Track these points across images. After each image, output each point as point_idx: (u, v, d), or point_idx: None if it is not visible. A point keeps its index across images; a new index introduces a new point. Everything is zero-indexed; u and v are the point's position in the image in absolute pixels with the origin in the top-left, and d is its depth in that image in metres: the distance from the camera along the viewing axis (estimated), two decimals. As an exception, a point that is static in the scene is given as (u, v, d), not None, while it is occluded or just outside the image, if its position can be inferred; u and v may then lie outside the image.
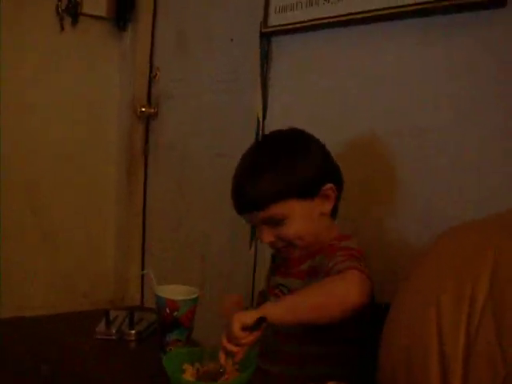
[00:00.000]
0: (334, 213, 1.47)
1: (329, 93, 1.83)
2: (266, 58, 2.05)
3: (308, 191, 1.40)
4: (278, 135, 1.51)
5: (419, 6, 1.55)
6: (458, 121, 1.50)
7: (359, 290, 1.22)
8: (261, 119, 2.05)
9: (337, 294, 1.24)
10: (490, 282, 0.95)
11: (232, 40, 2.30)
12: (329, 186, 1.41)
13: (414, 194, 1.59)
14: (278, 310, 1.22)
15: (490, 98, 1.43)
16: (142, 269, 2.88)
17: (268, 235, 1.41)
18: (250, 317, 1.18)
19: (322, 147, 1.47)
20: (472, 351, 0.93)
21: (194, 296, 1.42)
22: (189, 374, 1.24)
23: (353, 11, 1.72)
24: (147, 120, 2.89)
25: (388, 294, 1.23)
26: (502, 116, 1.40)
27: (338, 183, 1.45)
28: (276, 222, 1.39)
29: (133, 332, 1.58)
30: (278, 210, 1.37)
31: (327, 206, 1.43)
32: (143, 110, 2.83)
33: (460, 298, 0.98)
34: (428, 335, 1.00)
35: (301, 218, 1.39)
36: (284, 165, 1.40)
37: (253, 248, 2.05)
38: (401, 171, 1.63)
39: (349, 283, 1.23)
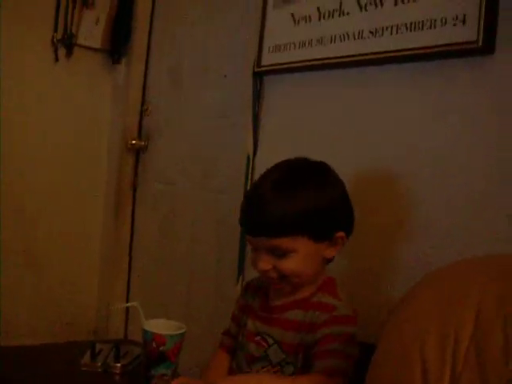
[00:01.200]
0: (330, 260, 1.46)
1: (319, 133, 1.86)
2: (257, 96, 2.08)
3: (322, 235, 1.37)
4: (307, 164, 1.44)
5: (410, 52, 1.58)
6: (445, 163, 1.53)
7: None
8: (251, 156, 2.07)
9: None
10: (474, 324, 0.96)
11: (225, 76, 2.33)
12: (341, 234, 1.39)
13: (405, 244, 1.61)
14: None
15: (479, 142, 1.46)
16: (127, 302, 2.87)
17: (266, 263, 1.35)
18: None
19: (345, 191, 1.44)
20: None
21: (181, 331, 1.43)
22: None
23: (344, 54, 1.75)
24: (137, 153, 2.90)
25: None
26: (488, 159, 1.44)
27: (348, 233, 1.43)
28: (279, 253, 1.34)
29: (118, 365, 1.58)
30: (287, 243, 1.33)
31: (332, 253, 1.41)
32: (133, 142, 2.83)
33: (444, 340, 0.97)
34: (413, 379, 1.00)
35: (305, 256, 1.35)
36: (308, 201, 1.35)
37: (239, 284, 2.04)
38: (385, 215, 1.66)
39: None
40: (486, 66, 1.45)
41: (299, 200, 1.34)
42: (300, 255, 1.35)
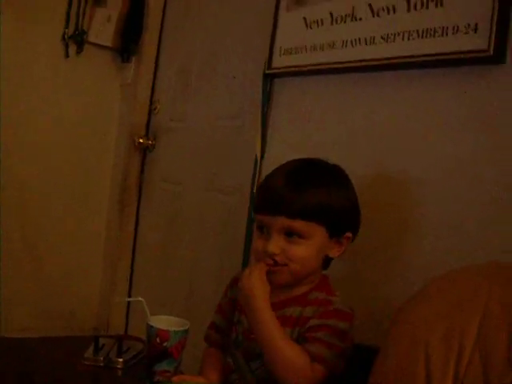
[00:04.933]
0: (328, 263, 1.47)
1: (328, 136, 1.86)
2: (267, 98, 2.08)
3: (337, 229, 1.39)
4: (328, 164, 1.46)
5: (421, 59, 1.59)
6: (448, 171, 1.53)
7: None
8: (259, 158, 2.07)
9: (290, 365, 1.30)
10: (479, 327, 0.96)
11: (234, 77, 2.33)
12: (349, 234, 1.42)
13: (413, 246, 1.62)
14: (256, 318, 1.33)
15: (488, 150, 1.46)
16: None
17: (277, 246, 1.35)
18: None
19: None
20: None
21: (184, 327, 1.43)
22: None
23: (356, 59, 1.76)
24: (144, 152, 2.91)
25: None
26: (497, 169, 1.44)
27: (354, 235, 1.44)
28: (293, 236, 1.35)
29: (120, 360, 1.58)
30: (306, 227, 1.34)
31: (336, 253, 1.42)
32: (141, 141, 2.85)
33: (449, 341, 0.98)
34: (416, 380, 1.00)
35: (315, 247, 1.36)
36: (336, 191, 1.38)
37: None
38: (389, 217, 1.67)
39: (303, 376, 1.29)
40: (497, 74, 1.45)
41: (332, 192, 1.37)
42: (312, 244, 1.36)
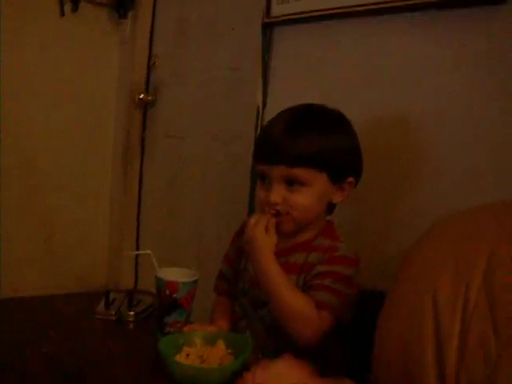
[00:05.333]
0: (332, 209, 1.48)
1: (329, 83, 1.85)
2: (267, 47, 2.06)
3: (339, 176, 1.39)
4: (329, 109, 1.45)
5: (423, 0, 1.57)
6: (456, 113, 1.52)
7: (310, 336, 1.31)
8: (261, 108, 2.06)
9: (297, 315, 1.31)
10: (486, 267, 0.96)
11: (233, 29, 2.31)
12: (351, 179, 1.41)
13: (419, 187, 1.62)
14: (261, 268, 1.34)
15: (492, 91, 1.45)
16: (137, 254, 2.90)
17: (278, 195, 1.36)
18: None
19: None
20: (466, 338, 0.94)
21: (193, 278, 1.44)
22: (183, 357, 1.25)
23: (356, 3, 1.73)
24: (145, 108, 2.89)
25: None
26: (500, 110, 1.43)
27: (357, 181, 1.44)
28: (295, 185, 1.35)
29: (131, 313, 1.60)
30: (307, 174, 1.34)
31: (339, 198, 1.42)
32: (141, 97, 2.82)
33: (456, 285, 0.97)
34: (425, 324, 0.99)
35: (317, 194, 1.36)
36: (335, 136, 1.38)
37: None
38: (394, 163, 1.66)
39: (311, 325, 1.31)
40: (497, 16, 1.43)
41: (330, 137, 1.37)
42: (313, 191, 1.36)
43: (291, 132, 1.35)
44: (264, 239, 1.35)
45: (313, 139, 1.34)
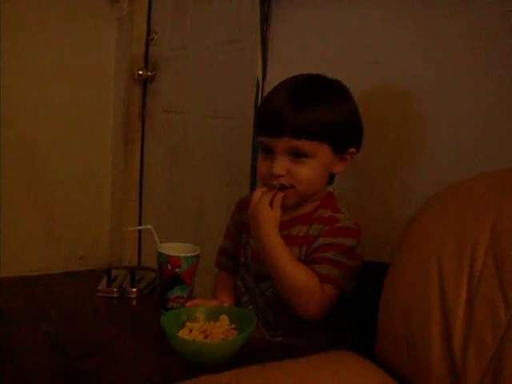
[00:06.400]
0: (332, 179, 1.46)
1: (329, 53, 1.83)
2: (266, 18, 2.03)
3: (341, 145, 1.37)
4: (328, 79, 1.43)
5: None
6: (452, 87, 1.50)
7: (313, 309, 1.30)
8: (260, 80, 2.04)
9: (300, 288, 1.30)
10: (491, 233, 0.95)
11: (231, 1, 2.28)
12: (353, 150, 1.40)
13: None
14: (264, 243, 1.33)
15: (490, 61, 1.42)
16: (139, 232, 2.89)
17: (282, 167, 1.33)
18: None
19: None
20: (473, 305, 0.93)
21: (195, 253, 1.43)
22: (186, 332, 1.24)
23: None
24: (144, 84, 2.88)
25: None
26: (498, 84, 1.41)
27: (357, 150, 1.43)
28: (299, 157, 1.33)
29: (134, 290, 1.59)
30: (311, 146, 1.32)
31: (339, 169, 1.41)
32: (140, 73, 2.82)
33: (461, 250, 0.97)
34: (430, 292, 0.99)
35: (319, 165, 1.35)
36: (338, 106, 1.36)
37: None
38: (395, 133, 1.64)
39: (314, 298, 1.30)
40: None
41: (334, 108, 1.35)
42: (317, 163, 1.35)
43: (295, 104, 1.33)
44: (268, 214, 1.34)
45: (317, 111, 1.33)
